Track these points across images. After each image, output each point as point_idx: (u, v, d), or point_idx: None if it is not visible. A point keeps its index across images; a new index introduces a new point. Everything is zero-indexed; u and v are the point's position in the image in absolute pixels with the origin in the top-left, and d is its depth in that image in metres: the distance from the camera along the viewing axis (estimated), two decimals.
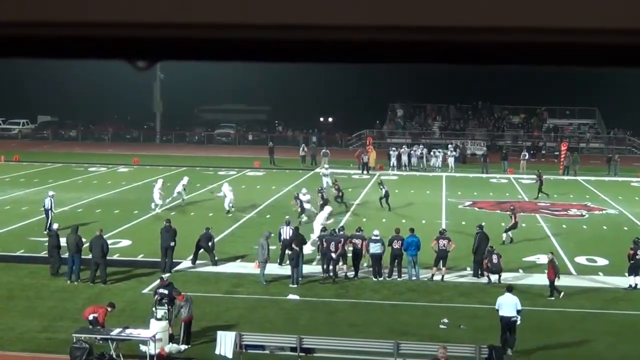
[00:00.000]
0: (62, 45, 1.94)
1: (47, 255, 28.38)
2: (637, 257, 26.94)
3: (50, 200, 35.47)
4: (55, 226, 29.46)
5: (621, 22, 1.73)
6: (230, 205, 40.37)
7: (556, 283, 25.99)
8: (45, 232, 32.08)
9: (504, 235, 34.04)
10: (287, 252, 27.99)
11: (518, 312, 21.08)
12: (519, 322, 21.14)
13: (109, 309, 21.38)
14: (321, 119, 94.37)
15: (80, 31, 1.90)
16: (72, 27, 1.89)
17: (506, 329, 21.02)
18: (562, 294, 25.76)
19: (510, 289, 22.34)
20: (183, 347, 20.83)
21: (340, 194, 43.03)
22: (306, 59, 1.96)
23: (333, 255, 27.34)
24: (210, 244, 29.26)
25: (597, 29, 1.75)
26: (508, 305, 21.20)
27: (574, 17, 1.75)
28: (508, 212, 36.18)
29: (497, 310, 21.37)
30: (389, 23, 1.79)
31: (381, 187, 43.45)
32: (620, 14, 1.73)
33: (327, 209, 34.84)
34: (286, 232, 29.13)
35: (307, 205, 38.82)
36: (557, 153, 68.72)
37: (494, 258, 27.19)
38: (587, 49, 1.81)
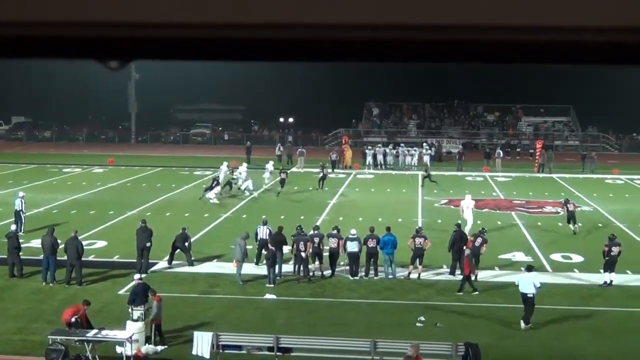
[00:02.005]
0: (30, 45, 1.92)
1: (5, 257, 27.98)
2: (612, 253, 27.12)
3: (21, 201, 35.09)
4: (13, 227, 29.36)
5: (620, 20, 1.74)
6: (249, 188, 45.44)
7: (475, 279, 26.76)
8: (20, 234, 31.80)
9: (572, 227, 36.04)
10: (264, 251, 27.99)
11: (537, 288, 22.96)
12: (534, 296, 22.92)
13: (86, 306, 21.29)
14: (281, 119, 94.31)
15: (50, 31, 1.88)
16: (40, 26, 1.87)
17: (525, 305, 22.86)
18: (477, 292, 25.98)
19: (530, 268, 24.27)
20: (160, 347, 20.76)
21: (322, 175, 49.89)
22: (275, 58, 1.95)
23: (303, 254, 27.38)
24: (186, 244, 29.17)
25: (595, 28, 1.75)
26: (526, 283, 23.04)
27: (571, 15, 1.75)
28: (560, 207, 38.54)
29: (517, 285, 23.41)
30: (386, 21, 1.79)
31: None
32: (620, 12, 1.73)
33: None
34: (263, 232, 29.11)
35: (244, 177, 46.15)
36: (532, 151, 69.06)
37: (478, 241, 27.49)
38: (582, 48, 1.81)
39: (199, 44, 1.89)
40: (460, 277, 27.06)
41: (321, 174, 50.19)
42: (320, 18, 1.80)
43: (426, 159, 62.82)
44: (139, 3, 1.84)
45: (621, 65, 1.88)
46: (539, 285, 23.19)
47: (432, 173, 56.29)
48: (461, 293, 26.02)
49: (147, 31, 1.86)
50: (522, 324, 22.72)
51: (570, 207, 36.92)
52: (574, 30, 1.76)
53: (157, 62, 2.30)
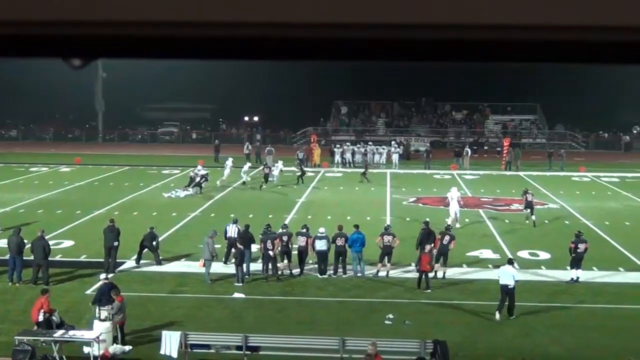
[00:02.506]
0: None
1: None
2: (578, 250, 27.34)
3: None
4: None
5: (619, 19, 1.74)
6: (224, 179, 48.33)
7: (431, 275, 27.11)
8: None
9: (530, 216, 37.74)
10: (233, 250, 27.95)
11: (515, 281, 23.85)
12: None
13: (45, 295, 21.20)
14: (248, 118, 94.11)
15: (10, 30, 1.86)
16: (1, 25, 1.85)
17: (505, 296, 23.70)
18: (430, 290, 26.13)
19: (510, 261, 25.08)
20: (127, 347, 20.65)
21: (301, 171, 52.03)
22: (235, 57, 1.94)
23: (270, 253, 27.37)
24: (154, 243, 29.04)
25: (593, 27, 1.76)
26: (506, 275, 23.99)
27: (563, 14, 1.75)
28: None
29: (498, 278, 24.30)
30: (378, 21, 1.78)
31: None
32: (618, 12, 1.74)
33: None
34: (232, 231, 29.05)
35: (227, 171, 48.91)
36: (499, 149, 69.46)
37: (446, 239, 27.71)
38: (581, 47, 1.82)
39: (133, 41, 1.88)
40: (429, 274, 27.21)
41: (300, 171, 52.33)
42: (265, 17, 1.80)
43: (394, 157, 63.06)
44: (100, 1, 1.82)
45: (620, 64, 1.89)
46: (517, 278, 24.12)
47: (400, 171, 56.57)
48: (429, 289, 26.15)
49: (81, 29, 1.85)
50: (497, 315, 23.35)
51: (529, 197, 38.60)
52: (572, 29, 1.76)
53: (124, 60, 2.28)
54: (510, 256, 27.29)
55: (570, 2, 1.75)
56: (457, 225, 36.16)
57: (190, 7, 1.81)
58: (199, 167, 49.46)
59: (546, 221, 39.27)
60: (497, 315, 23.36)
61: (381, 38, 1.81)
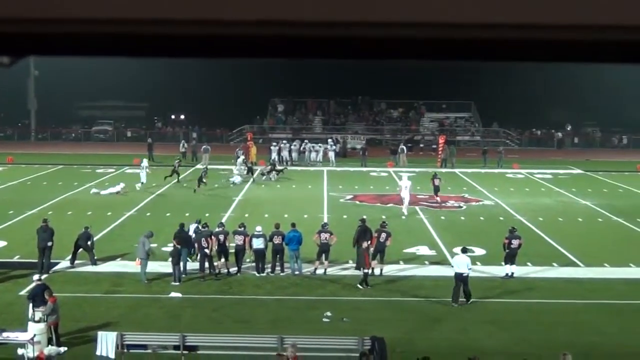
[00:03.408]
0: None
1: None
2: (512, 246, 27.71)
3: None
4: None
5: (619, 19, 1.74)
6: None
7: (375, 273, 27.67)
8: None
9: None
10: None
11: (469, 269, 25.03)
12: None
13: None
14: (172, 116, 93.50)
15: None
16: None
17: (460, 283, 24.74)
18: (367, 288, 26.28)
19: (465, 250, 26.08)
20: (62, 349, 20.35)
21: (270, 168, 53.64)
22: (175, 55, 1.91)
23: (206, 251, 27.26)
24: (89, 243, 28.68)
25: (590, 26, 1.75)
26: (461, 263, 25.02)
27: (567, 14, 1.75)
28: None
29: (453, 267, 25.46)
30: (377, 19, 1.76)
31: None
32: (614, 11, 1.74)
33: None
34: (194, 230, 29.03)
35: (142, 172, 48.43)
36: (435, 146, 70.04)
37: (382, 236, 27.81)
38: (579, 45, 1.81)
39: (61, 39, 1.84)
40: (367, 271, 27.33)
41: (269, 167, 54.02)
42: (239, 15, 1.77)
43: (331, 155, 63.24)
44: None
45: (618, 63, 1.90)
46: (471, 266, 25.30)
47: (337, 169, 56.66)
48: (369, 287, 26.24)
49: (37, 27, 1.80)
50: (454, 305, 24.57)
51: (437, 182, 43.00)
52: (569, 28, 1.76)
53: (57, 58, 2.22)
54: (461, 248, 27.09)
55: (570, 2, 1.75)
56: (405, 212, 39.15)
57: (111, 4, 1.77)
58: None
59: (481, 218, 39.73)
60: (455, 305, 24.46)
61: (380, 36, 1.80)
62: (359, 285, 26.27)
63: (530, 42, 1.80)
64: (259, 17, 1.77)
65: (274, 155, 61.62)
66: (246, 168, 53.71)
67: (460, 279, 24.79)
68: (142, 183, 48.06)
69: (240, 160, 54.63)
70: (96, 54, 1.93)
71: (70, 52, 1.93)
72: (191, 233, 28.84)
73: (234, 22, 1.78)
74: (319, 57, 1.93)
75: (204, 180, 46.84)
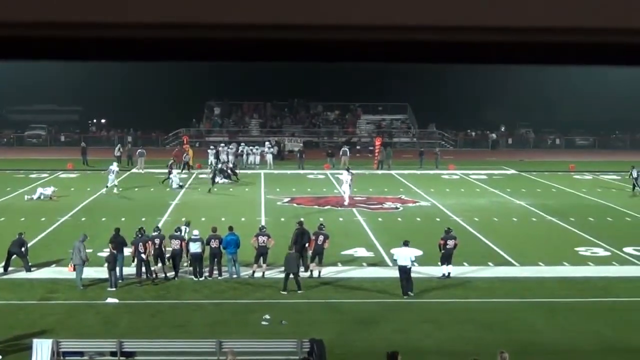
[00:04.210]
0: None
1: None
2: (447, 246, 27.97)
3: None
4: None
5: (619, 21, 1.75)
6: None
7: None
8: None
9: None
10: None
11: (412, 262, 25.87)
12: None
13: None
14: (104, 120, 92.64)
15: None
16: None
17: (403, 276, 25.44)
18: (301, 291, 26.28)
19: (406, 242, 26.44)
20: None
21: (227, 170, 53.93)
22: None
23: (143, 256, 27.04)
24: (23, 249, 28.23)
25: (588, 29, 1.76)
26: (404, 257, 25.68)
27: (566, 16, 1.75)
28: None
29: (396, 260, 26.14)
30: (375, 23, 1.74)
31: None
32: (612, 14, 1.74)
33: None
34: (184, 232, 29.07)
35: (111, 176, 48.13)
36: (371, 148, 70.39)
37: (320, 238, 27.82)
38: (577, 48, 1.82)
39: (28, 43, 1.81)
40: (305, 274, 27.35)
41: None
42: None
43: (268, 157, 63.20)
44: None
45: (616, 65, 1.90)
46: (414, 259, 26.13)
47: (275, 172, 56.62)
48: (301, 291, 26.19)
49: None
50: (405, 297, 25.44)
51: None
52: (566, 31, 1.76)
53: None
54: (402, 241, 27.15)
55: (571, 5, 1.75)
56: (346, 203, 41.56)
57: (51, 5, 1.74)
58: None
59: (418, 219, 40.04)
60: (408, 295, 25.50)
61: (378, 40, 1.78)
62: (283, 292, 26.16)
63: (530, 45, 1.81)
64: (252, 21, 1.75)
65: (212, 159, 61.25)
66: (215, 171, 52.74)
67: (404, 271, 25.47)
68: (116, 185, 48.23)
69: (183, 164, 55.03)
70: (40, 57, 1.90)
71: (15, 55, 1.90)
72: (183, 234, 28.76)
73: (219, 25, 1.77)
74: (319, 60, 1.92)
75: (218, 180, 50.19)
